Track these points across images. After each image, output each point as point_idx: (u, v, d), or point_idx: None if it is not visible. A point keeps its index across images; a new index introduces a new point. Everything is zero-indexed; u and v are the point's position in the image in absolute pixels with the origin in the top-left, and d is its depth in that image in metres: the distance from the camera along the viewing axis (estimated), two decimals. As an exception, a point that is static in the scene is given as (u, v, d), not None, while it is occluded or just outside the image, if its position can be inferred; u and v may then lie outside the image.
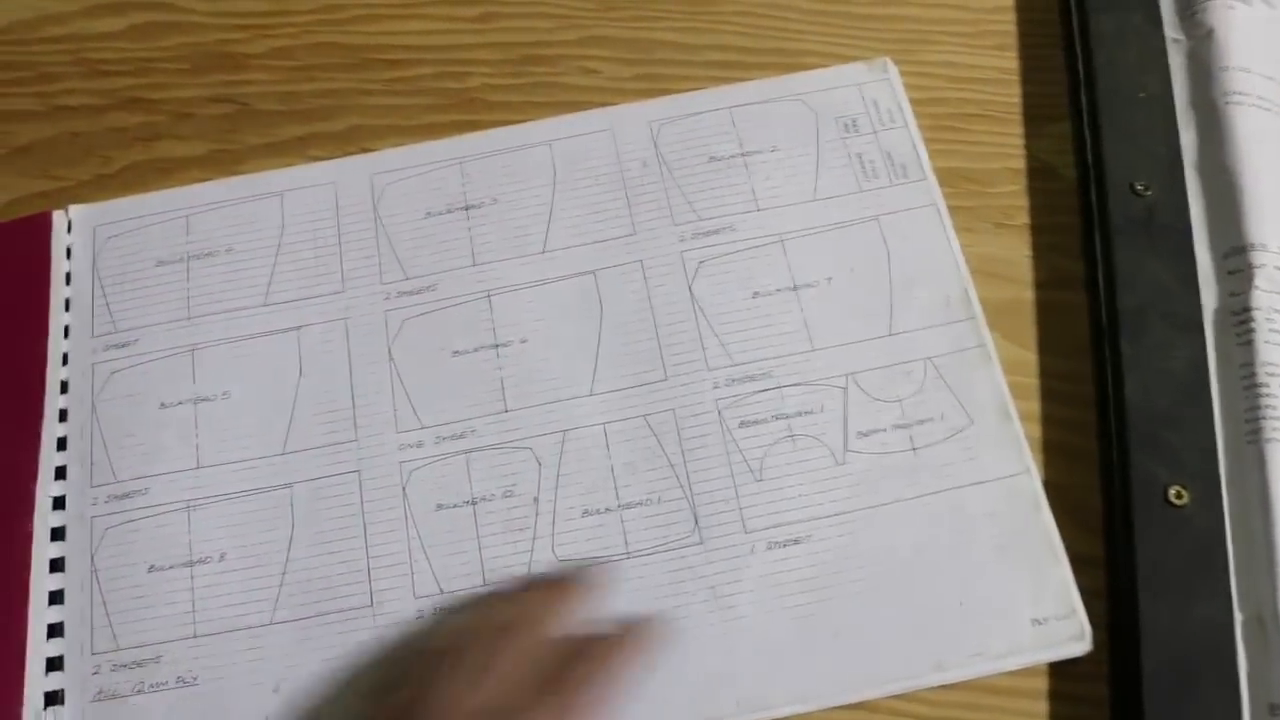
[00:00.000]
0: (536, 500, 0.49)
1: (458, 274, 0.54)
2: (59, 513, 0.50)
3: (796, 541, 0.48)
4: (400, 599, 0.48)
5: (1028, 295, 0.54)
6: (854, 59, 0.59)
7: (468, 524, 0.49)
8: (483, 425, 0.51)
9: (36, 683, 0.47)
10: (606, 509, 0.49)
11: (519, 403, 0.51)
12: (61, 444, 0.52)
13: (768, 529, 0.49)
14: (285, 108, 0.60)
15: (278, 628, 0.48)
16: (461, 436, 0.51)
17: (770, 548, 0.48)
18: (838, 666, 0.46)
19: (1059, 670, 0.47)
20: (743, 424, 0.50)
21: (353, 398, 0.52)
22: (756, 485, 0.49)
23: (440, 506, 0.50)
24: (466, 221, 0.55)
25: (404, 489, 0.50)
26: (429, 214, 0.56)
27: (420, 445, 0.51)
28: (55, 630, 0.48)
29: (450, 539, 0.49)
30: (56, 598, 0.49)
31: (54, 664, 0.48)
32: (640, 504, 0.49)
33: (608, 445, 0.50)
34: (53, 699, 0.47)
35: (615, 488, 0.50)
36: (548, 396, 0.51)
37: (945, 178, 0.55)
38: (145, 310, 0.54)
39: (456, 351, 0.53)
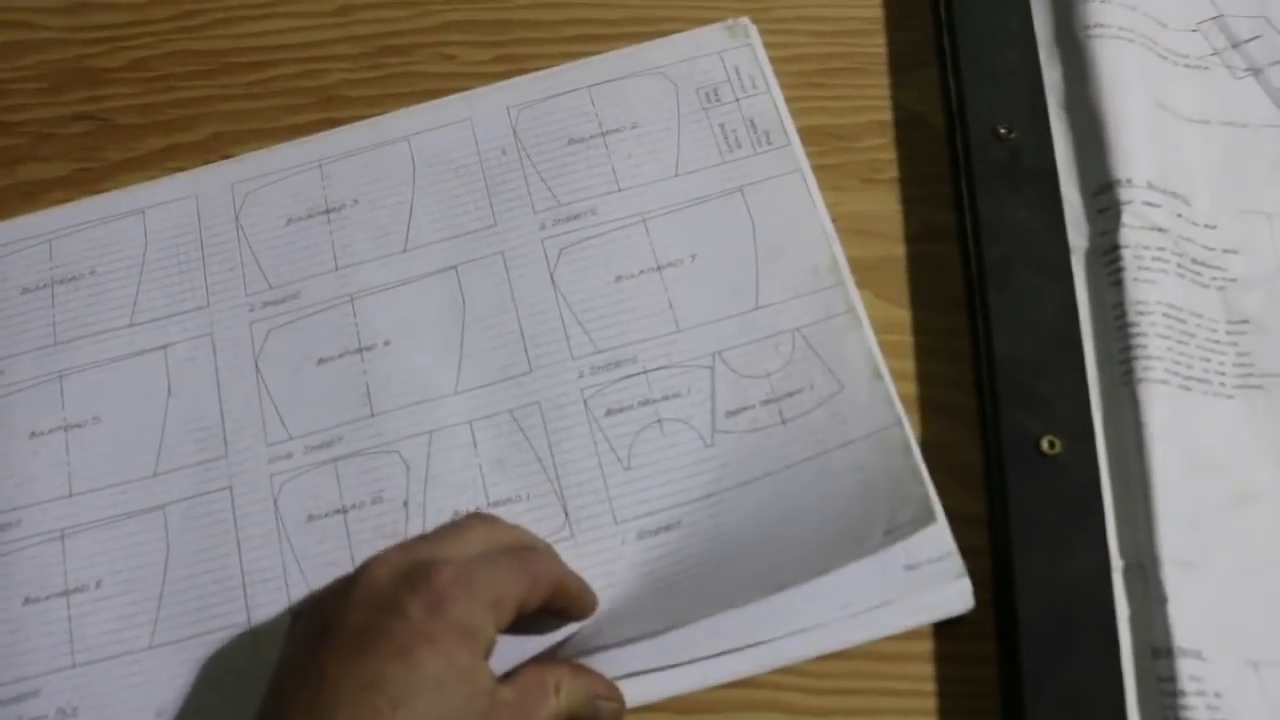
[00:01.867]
0: (406, 504, 0.49)
1: (320, 280, 0.53)
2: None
3: (667, 528, 0.48)
4: (276, 614, 0.48)
5: (899, 251, 0.53)
6: (713, 21, 0.57)
7: (339, 533, 0.49)
8: (349, 432, 0.50)
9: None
10: (476, 508, 0.48)
11: (385, 406, 0.51)
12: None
13: (638, 518, 0.48)
14: (146, 120, 0.59)
15: (157, 651, 0.48)
16: (329, 445, 0.50)
17: (641, 536, 0.48)
18: (715, 647, 0.45)
19: (945, 632, 0.46)
20: (609, 412, 0.50)
21: (221, 414, 0.51)
22: (625, 474, 0.49)
23: (312, 517, 0.49)
24: (328, 225, 0.55)
25: (275, 502, 0.49)
26: (290, 220, 0.55)
27: (290, 456, 0.50)
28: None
29: (323, 549, 0.49)
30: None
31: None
32: (510, 500, 0.49)
33: (475, 443, 0.50)
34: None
35: (484, 486, 0.49)
36: (413, 398, 0.51)
37: (810, 136, 0.54)
38: (11, 340, 0.54)
39: (322, 359, 0.52)
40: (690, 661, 0.45)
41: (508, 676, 0.41)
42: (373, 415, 0.50)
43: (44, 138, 0.59)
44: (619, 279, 0.52)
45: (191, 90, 0.59)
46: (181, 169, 0.57)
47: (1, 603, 0.49)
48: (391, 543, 0.44)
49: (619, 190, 0.54)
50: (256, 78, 0.59)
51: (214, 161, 0.57)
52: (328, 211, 0.55)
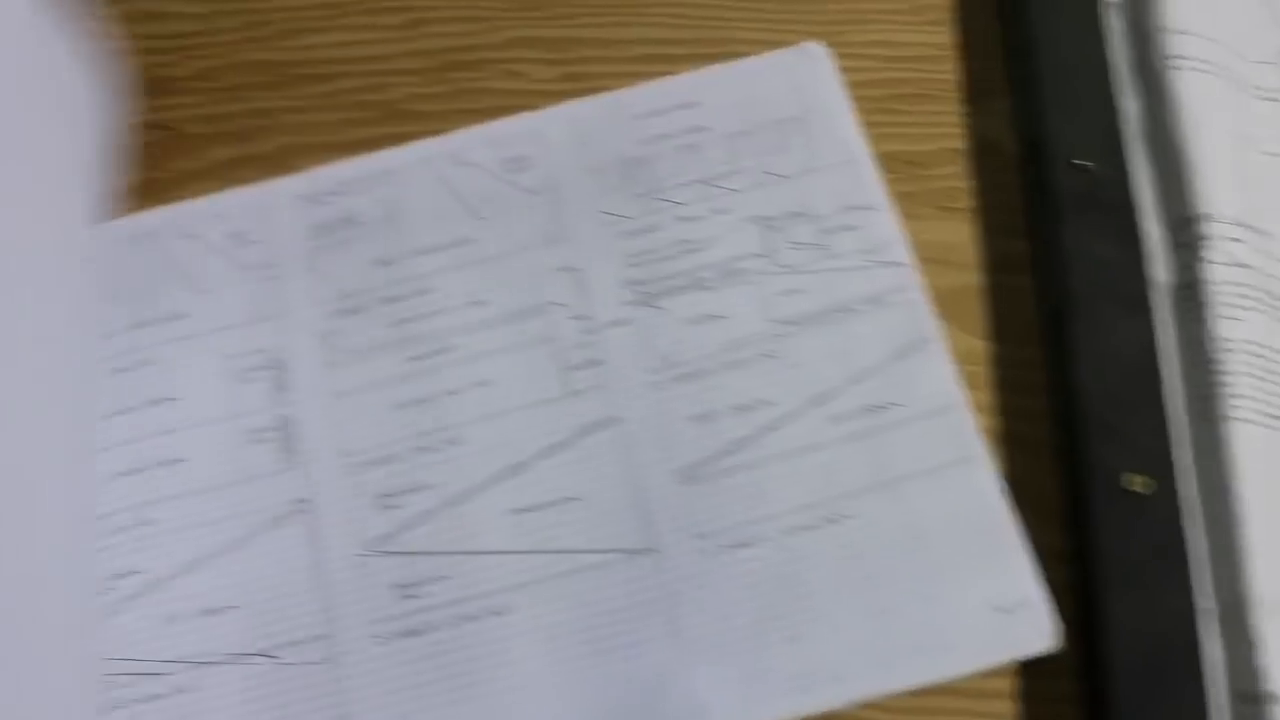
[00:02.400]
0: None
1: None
2: None
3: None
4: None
5: (976, 281, 0.52)
6: (783, 44, 0.57)
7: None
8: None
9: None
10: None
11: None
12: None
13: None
14: (213, 130, 0.59)
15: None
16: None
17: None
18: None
19: (1028, 669, 0.46)
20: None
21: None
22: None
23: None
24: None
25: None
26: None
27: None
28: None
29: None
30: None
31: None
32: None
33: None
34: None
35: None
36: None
37: (885, 163, 0.54)
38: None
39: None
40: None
41: None
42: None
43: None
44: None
45: (259, 101, 0.59)
46: (251, 180, 0.57)
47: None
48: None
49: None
50: (322, 90, 0.59)
51: (283, 173, 0.57)
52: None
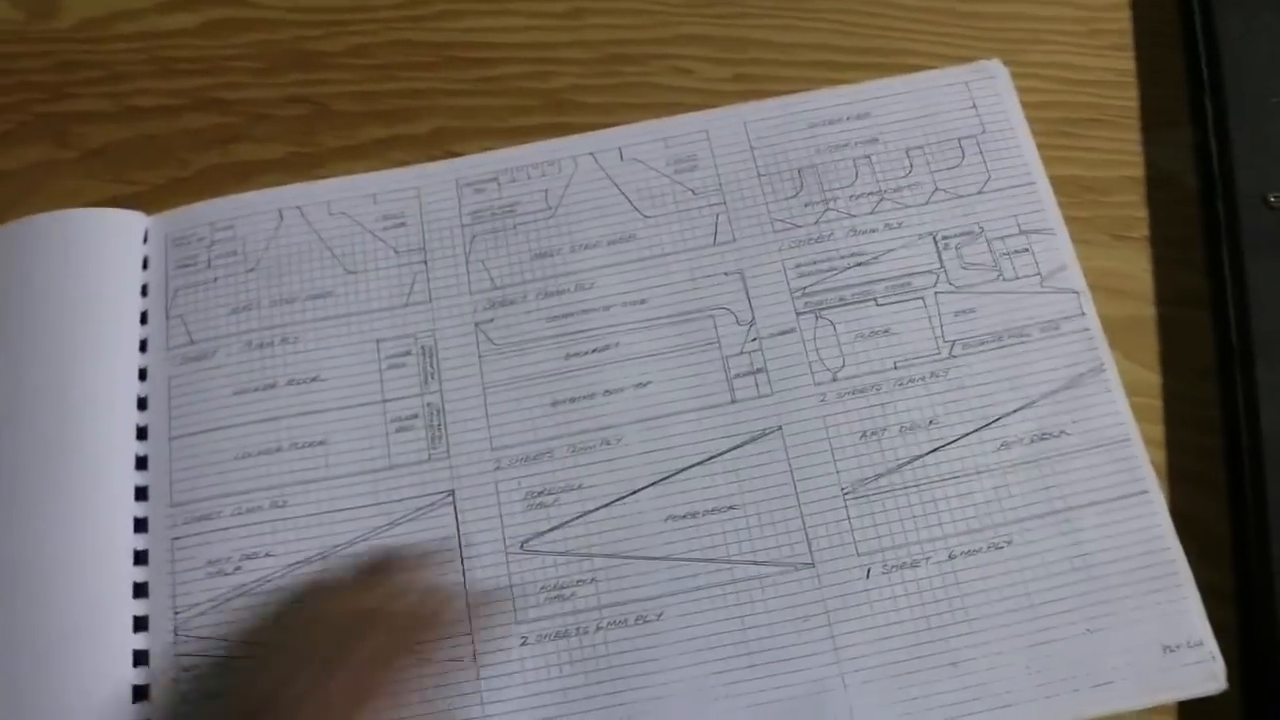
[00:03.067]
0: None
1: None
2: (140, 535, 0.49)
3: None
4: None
5: (1149, 312, 0.51)
6: (956, 60, 0.56)
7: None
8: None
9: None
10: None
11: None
12: (141, 463, 0.50)
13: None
14: (365, 108, 0.58)
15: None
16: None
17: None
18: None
19: (1190, 708, 0.45)
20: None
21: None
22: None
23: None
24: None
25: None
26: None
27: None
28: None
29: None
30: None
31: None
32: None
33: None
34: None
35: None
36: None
37: (1060, 186, 0.52)
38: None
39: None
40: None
41: None
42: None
43: (259, 118, 0.58)
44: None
45: (414, 81, 0.58)
46: (404, 162, 0.56)
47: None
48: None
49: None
50: (482, 74, 0.58)
51: (437, 157, 0.56)
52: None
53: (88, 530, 0.48)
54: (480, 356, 0.51)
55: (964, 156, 0.53)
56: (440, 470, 0.49)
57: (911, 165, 0.53)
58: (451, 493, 0.49)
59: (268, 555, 0.48)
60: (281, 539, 0.48)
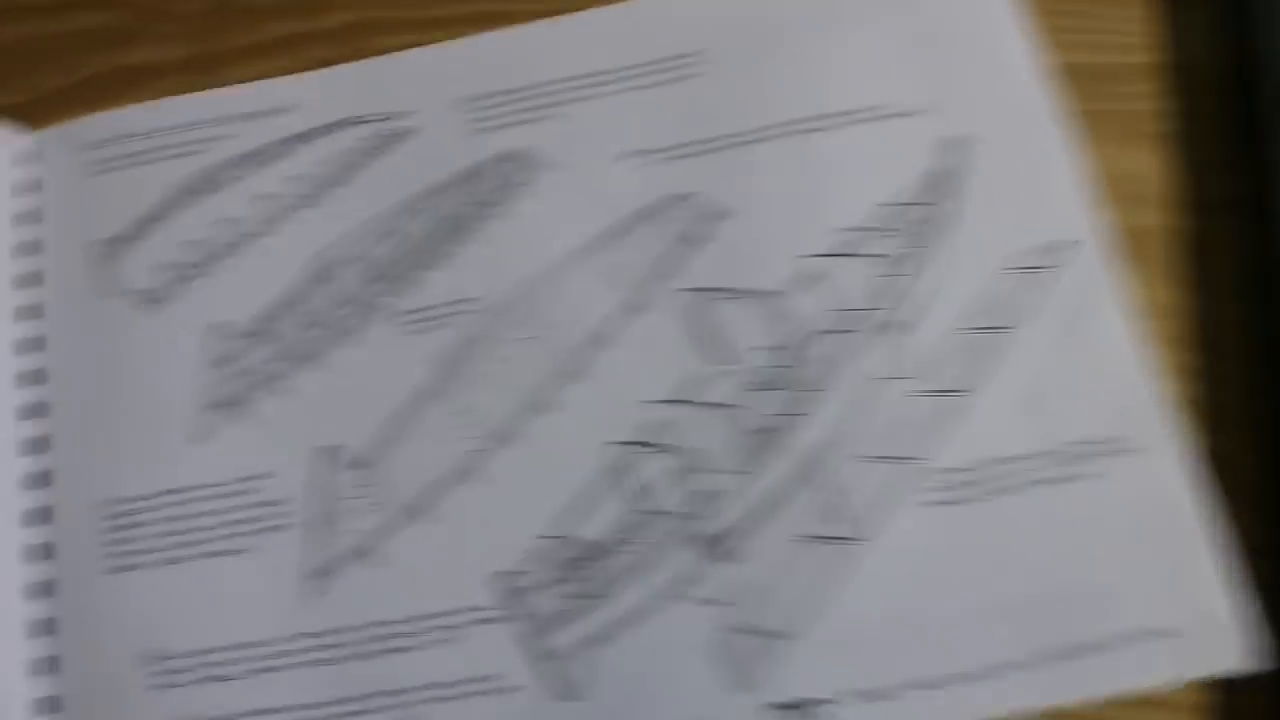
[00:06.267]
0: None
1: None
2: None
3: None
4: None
5: (1169, 221, 0.45)
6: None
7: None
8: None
9: None
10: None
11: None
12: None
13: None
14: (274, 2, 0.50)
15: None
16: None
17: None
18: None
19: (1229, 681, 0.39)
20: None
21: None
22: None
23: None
24: None
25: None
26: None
27: None
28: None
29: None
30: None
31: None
32: None
33: None
34: None
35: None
36: None
37: (1066, 75, 0.46)
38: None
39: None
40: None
41: None
42: None
43: (158, 15, 0.51)
44: None
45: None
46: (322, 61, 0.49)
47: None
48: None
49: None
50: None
51: (356, 56, 0.49)
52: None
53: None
54: None
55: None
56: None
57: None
58: None
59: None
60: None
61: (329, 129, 0.47)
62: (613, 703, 0.40)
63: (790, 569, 0.41)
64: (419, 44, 0.49)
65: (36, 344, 0.45)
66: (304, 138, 0.47)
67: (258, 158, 0.47)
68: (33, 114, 0.49)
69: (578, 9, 0.48)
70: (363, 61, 0.49)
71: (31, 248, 0.47)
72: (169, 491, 0.43)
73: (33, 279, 0.46)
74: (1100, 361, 0.42)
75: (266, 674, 0.41)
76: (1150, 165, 0.45)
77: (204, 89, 0.49)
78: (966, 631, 0.39)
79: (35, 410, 0.45)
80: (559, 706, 0.40)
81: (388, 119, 0.47)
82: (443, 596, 0.41)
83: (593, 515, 0.42)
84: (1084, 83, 0.46)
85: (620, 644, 0.40)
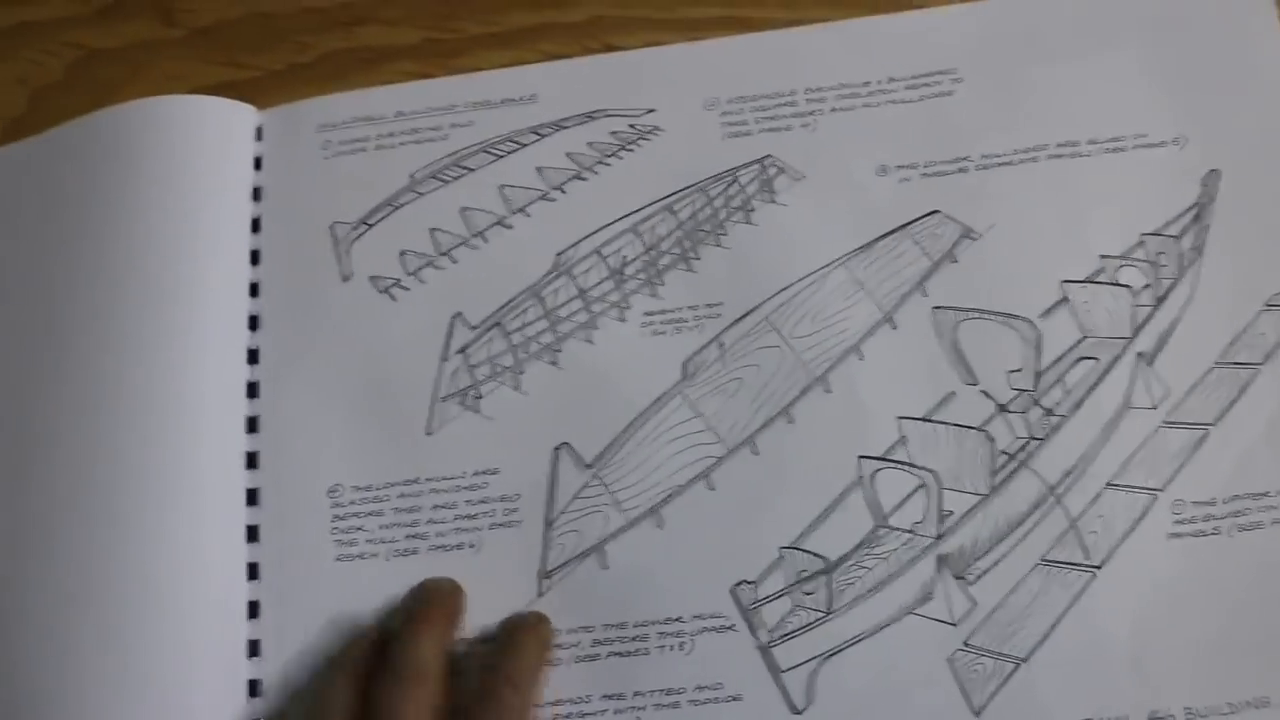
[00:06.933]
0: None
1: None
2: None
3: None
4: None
5: None
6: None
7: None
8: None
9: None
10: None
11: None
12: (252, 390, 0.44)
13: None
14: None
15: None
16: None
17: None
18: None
19: None
20: None
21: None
22: None
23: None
24: None
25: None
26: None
27: None
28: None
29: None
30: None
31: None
32: None
33: None
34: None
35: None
36: None
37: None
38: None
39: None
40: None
41: None
42: None
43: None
44: None
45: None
46: (554, 55, 0.49)
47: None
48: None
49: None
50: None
51: (593, 50, 0.49)
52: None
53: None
54: None
55: None
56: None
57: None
58: None
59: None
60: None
61: (575, 121, 0.47)
62: (841, 717, 0.39)
63: (1027, 593, 0.40)
64: (661, 43, 0.48)
65: (252, 322, 0.45)
66: (548, 128, 0.47)
67: (500, 147, 0.47)
68: (261, 91, 0.49)
69: (823, 19, 0.48)
70: (609, 54, 0.48)
71: (253, 225, 0.47)
72: (404, 482, 0.43)
73: (252, 257, 0.46)
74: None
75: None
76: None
77: (436, 76, 0.49)
78: (1205, 667, 0.39)
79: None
80: (787, 718, 0.39)
81: (635, 115, 0.47)
82: (675, 603, 0.41)
83: (835, 529, 0.41)
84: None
85: (852, 659, 0.40)
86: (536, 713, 0.39)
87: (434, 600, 0.41)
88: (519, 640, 0.40)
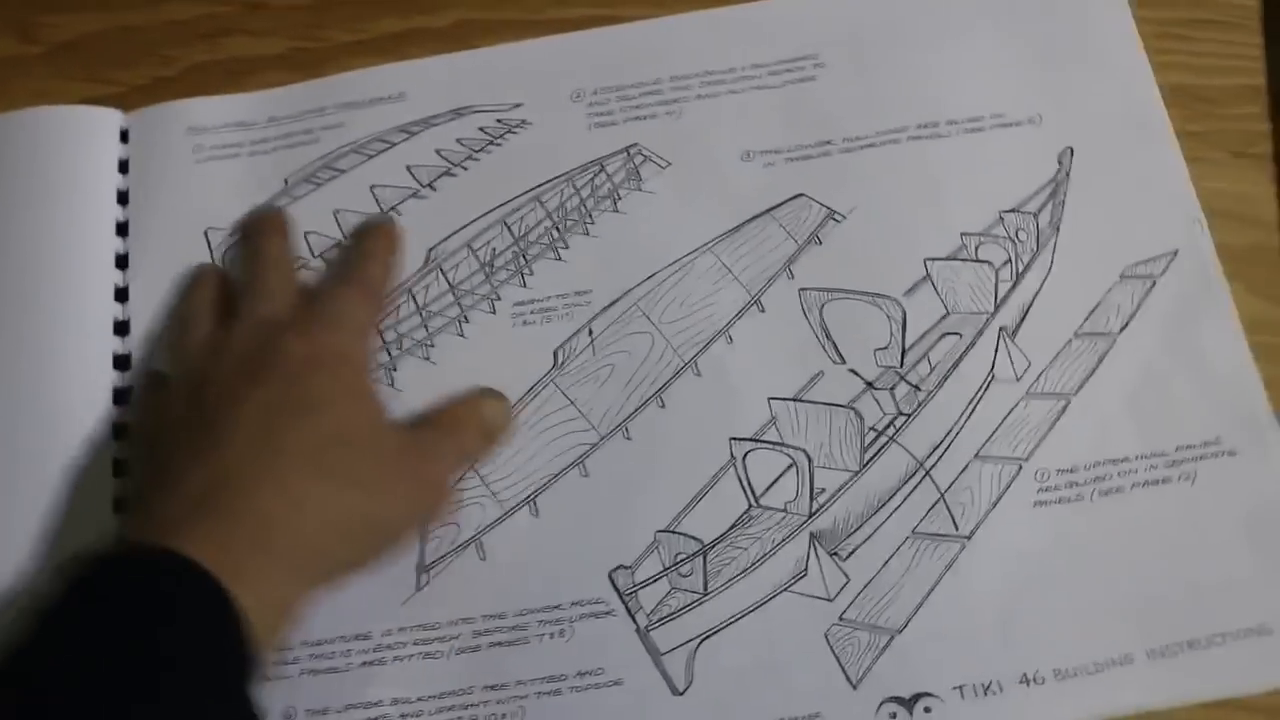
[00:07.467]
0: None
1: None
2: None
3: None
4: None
5: (1275, 240, 0.45)
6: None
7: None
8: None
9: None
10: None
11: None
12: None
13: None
14: (376, -1, 0.50)
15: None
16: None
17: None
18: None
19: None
20: None
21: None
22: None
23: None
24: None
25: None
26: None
27: None
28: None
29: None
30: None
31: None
32: None
33: None
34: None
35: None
36: None
37: (1173, 97, 0.46)
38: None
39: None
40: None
41: None
42: None
43: (255, 8, 0.51)
44: None
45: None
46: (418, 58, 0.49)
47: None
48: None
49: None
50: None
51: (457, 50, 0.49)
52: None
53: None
54: None
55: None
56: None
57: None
58: None
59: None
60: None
61: (444, 118, 0.47)
62: (721, 696, 0.39)
63: (900, 565, 0.40)
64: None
65: (119, 328, 0.45)
66: (418, 126, 0.47)
67: (371, 147, 0.47)
68: (127, 108, 0.48)
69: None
70: (474, 50, 0.49)
71: (120, 229, 0.46)
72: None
73: (119, 261, 0.46)
74: (1202, 368, 0.42)
75: (374, 666, 0.40)
76: (1258, 184, 0.46)
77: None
78: (1071, 629, 0.39)
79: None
80: (668, 700, 0.39)
81: (503, 109, 0.47)
82: (553, 590, 0.41)
83: (708, 511, 0.41)
84: (1189, 103, 0.46)
85: (730, 638, 0.40)
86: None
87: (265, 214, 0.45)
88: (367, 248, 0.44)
